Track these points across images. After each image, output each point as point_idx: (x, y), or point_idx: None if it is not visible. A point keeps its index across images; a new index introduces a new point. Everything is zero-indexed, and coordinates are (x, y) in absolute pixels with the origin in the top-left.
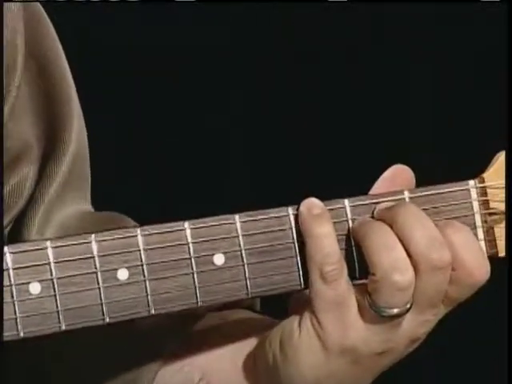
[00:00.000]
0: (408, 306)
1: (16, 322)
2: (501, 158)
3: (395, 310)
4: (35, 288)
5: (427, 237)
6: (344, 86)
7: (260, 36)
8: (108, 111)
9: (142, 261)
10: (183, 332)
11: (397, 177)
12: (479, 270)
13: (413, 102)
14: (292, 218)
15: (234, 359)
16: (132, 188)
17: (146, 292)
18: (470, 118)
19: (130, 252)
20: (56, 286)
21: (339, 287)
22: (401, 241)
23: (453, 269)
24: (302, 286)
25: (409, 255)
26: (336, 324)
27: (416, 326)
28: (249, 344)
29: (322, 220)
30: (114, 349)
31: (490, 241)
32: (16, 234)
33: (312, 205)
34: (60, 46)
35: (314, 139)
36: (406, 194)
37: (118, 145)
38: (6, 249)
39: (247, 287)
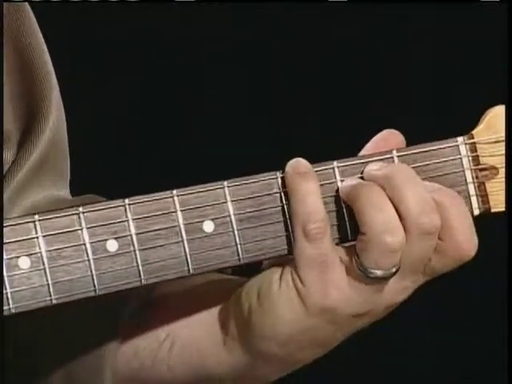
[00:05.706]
0: (394, 269)
1: (7, 298)
2: (490, 115)
3: (381, 272)
4: (25, 262)
5: (419, 200)
6: (342, 76)
7: (260, 36)
8: (106, 108)
9: (130, 231)
10: (145, 295)
11: (387, 141)
12: (467, 243)
13: (412, 99)
14: (280, 181)
15: (202, 316)
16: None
17: (137, 262)
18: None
19: (119, 223)
20: (45, 259)
21: (322, 246)
22: (392, 202)
23: (441, 238)
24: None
25: (400, 217)
26: (317, 282)
27: (396, 291)
28: (220, 300)
29: (306, 177)
30: (75, 317)
31: (482, 196)
32: None
33: (298, 164)
34: (41, 38)
35: (307, 109)
36: (395, 153)
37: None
38: None
39: (238, 253)
